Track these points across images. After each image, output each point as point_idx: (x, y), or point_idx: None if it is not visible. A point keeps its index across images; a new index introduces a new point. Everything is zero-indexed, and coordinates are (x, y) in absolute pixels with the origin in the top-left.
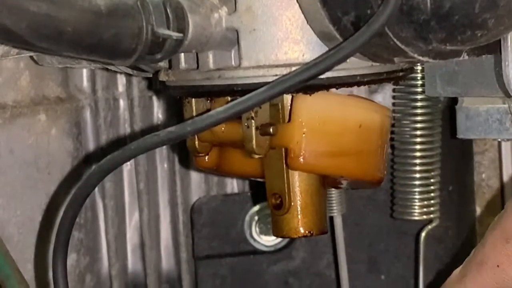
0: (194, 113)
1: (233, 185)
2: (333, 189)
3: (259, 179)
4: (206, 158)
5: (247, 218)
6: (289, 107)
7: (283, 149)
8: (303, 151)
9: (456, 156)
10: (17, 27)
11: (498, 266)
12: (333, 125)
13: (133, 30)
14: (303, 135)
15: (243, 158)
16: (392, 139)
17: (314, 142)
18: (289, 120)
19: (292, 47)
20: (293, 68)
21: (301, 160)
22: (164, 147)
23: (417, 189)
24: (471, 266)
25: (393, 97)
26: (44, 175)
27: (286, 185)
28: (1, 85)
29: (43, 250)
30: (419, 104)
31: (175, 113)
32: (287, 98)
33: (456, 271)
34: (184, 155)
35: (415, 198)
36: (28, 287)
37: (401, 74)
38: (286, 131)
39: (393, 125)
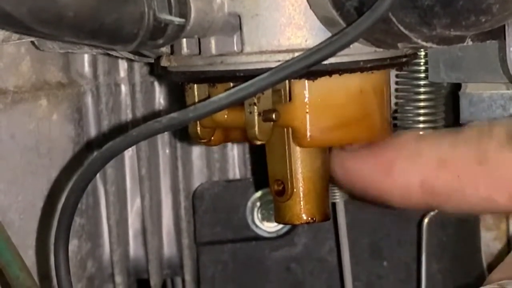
0: (196, 99)
1: (235, 171)
2: None
3: None
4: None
5: (249, 204)
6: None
7: (290, 131)
8: (309, 128)
9: None
10: (17, 11)
11: None
12: (334, 97)
13: (135, 15)
14: (306, 112)
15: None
16: (395, 125)
17: (319, 118)
18: (290, 99)
19: (295, 33)
20: (296, 54)
21: (308, 138)
22: (166, 132)
23: None
24: None
25: (396, 83)
26: (46, 161)
27: (288, 171)
28: (2, 70)
29: (45, 236)
30: (422, 89)
31: (177, 98)
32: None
33: None
34: (186, 140)
35: None
36: (29, 273)
37: (404, 59)
38: (289, 111)
39: (396, 111)
